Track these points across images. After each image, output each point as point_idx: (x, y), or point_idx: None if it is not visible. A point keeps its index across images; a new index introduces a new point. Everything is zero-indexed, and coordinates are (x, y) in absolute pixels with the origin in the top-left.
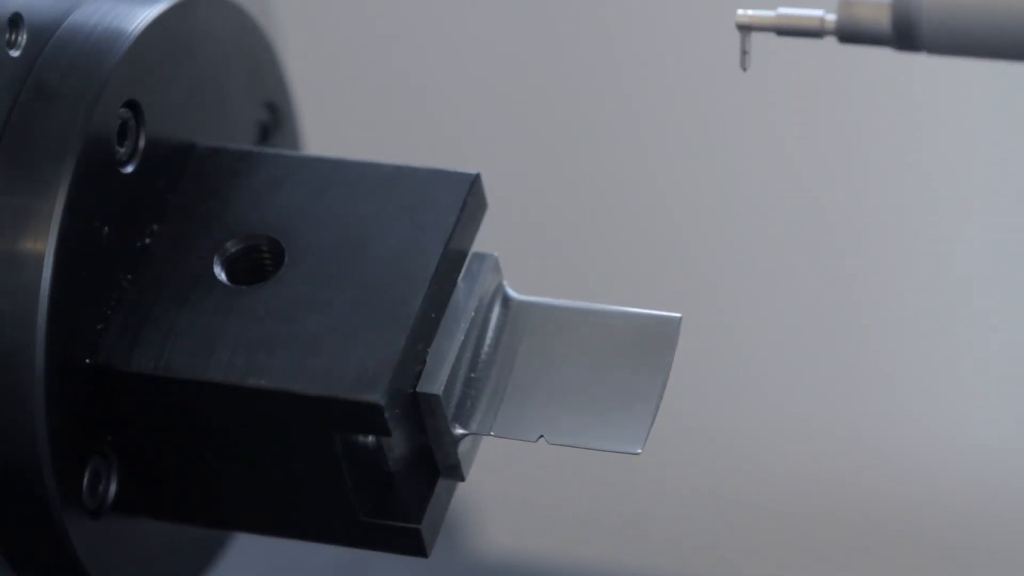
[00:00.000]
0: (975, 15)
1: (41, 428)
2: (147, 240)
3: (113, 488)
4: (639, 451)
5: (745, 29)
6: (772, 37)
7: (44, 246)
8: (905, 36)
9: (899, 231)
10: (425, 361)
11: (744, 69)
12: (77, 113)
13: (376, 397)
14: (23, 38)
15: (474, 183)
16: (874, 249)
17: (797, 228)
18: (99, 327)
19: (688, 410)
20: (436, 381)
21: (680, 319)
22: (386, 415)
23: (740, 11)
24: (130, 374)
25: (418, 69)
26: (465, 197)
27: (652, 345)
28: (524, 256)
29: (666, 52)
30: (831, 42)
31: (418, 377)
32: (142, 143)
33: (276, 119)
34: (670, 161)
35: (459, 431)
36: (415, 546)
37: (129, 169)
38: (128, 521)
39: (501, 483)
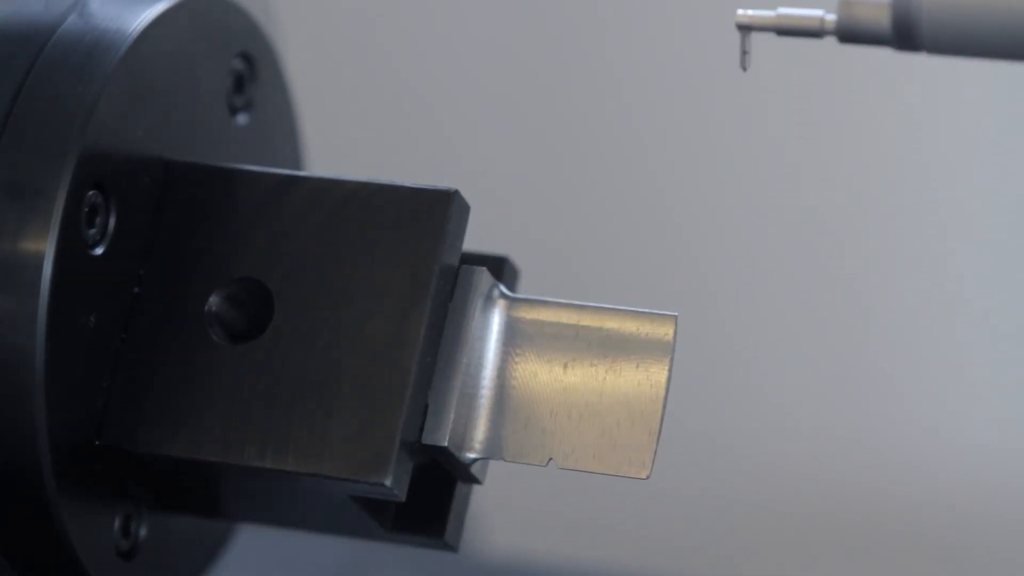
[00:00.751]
0: (975, 15)
1: (41, 428)
2: (136, 289)
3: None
4: (645, 476)
5: (745, 29)
6: (772, 37)
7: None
8: (905, 36)
9: (899, 231)
10: (427, 405)
11: (744, 69)
12: (46, 210)
13: (383, 479)
14: None
15: (453, 201)
16: (874, 249)
17: (797, 228)
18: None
19: (688, 410)
20: (441, 430)
21: (676, 317)
22: (395, 490)
23: (740, 11)
24: (138, 453)
25: (419, 68)
26: (446, 219)
27: (650, 346)
28: (524, 256)
29: (666, 52)
30: (831, 42)
31: (422, 426)
32: (112, 223)
33: (252, 69)
34: (670, 161)
35: (469, 457)
36: (442, 547)
37: (104, 247)
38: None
39: (501, 483)
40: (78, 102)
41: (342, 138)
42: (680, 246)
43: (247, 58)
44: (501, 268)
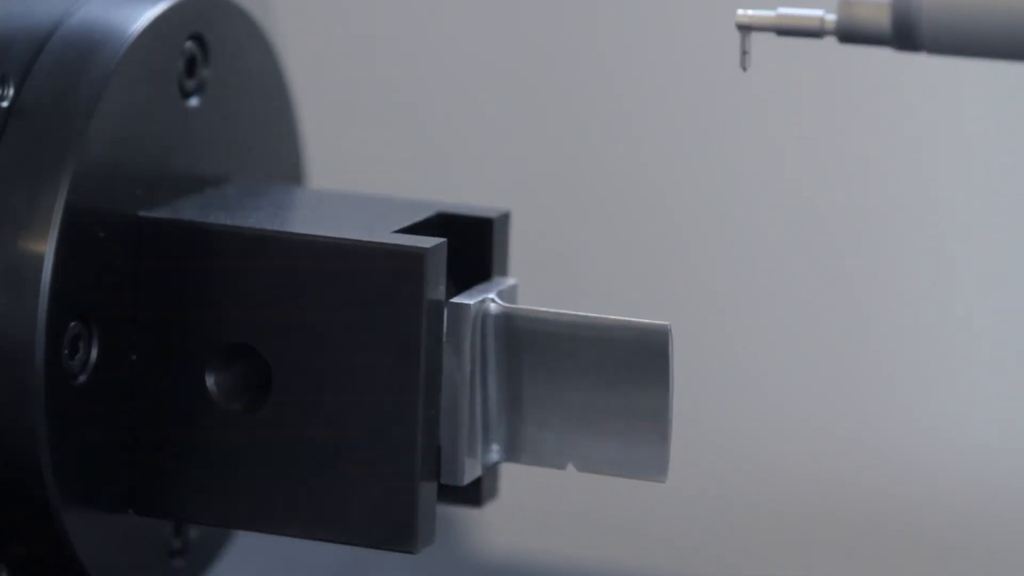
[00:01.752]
0: (975, 15)
1: (41, 428)
2: (133, 357)
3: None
4: (664, 480)
5: (745, 29)
6: (772, 37)
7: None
8: (905, 36)
9: (899, 231)
10: (439, 448)
11: (744, 69)
12: (47, 210)
13: (412, 548)
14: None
15: (427, 260)
16: (874, 249)
17: (796, 228)
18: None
19: (688, 411)
20: (458, 472)
21: (668, 328)
22: (423, 548)
23: (740, 11)
24: (159, 513)
25: (419, 68)
26: (422, 280)
27: (648, 357)
28: (523, 257)
29: (666, 52)
30: (831, 42)
31: (438, 466)
32: (92, 339)
33: (204, 52)
34: (670, 161)
35: (492, 460)
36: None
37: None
38: (128, 519)
39: (501, 483)
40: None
41: (343, 139)
42: (680, 246)
43: (199, 40)
44: (490, 230)
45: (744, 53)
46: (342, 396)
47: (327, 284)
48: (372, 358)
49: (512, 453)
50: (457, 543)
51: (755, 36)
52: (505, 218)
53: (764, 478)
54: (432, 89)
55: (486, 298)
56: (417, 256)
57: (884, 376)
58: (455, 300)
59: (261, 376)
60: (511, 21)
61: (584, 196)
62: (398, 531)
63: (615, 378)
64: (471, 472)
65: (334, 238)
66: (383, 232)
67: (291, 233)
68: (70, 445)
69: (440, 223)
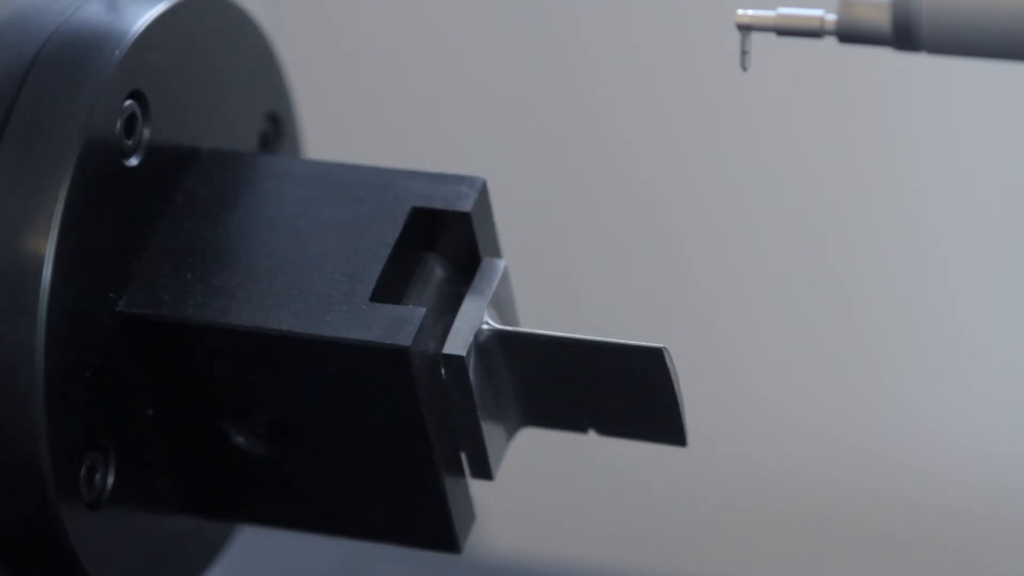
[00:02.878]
0: (975, 15)
1: (41, 428)
2: (150, 411)
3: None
4: (685, 445)
5: (745, 29)
6: (772, 37)
7: (44, 247)
8: (905, 36)
9: (899, 230)
10: (461, 456)
11: (744, 69)
12: (81, 105)
13: (455, 551)
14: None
15: (410, 359)
16: (874, 249)
17: (797, 228)
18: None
19: (688, 411)
20: (488, 470)
21: (662, 350)
22: (462, 549)
23: (740, 11)
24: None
25: (419, 69)
26: (410, 378)
27: (650, 378)
28: (524, 256)
29: (666, 52)
30: (831, 42)
31: (462, 468)
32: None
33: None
34: (669, 162)
35: (511, 433)
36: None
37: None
38: (127, 518)
39: (501, 483)
40: (79, 100)
41: (343, 139)
42: (680, 245)
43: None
44: (468, 223)
45: (744, 53)
46: (356, 453)
47: (320, 372)
48: (378, 426)
49: (533, 421)
50: None
51: (755, 36)
52: (482, 196)
53: (765, 479)
54: (436, 89)
55: (478, 329)
56: (400, 352)
57: (884, 376)
58: (448, 352)
59: (278, 427)
60: (511, 21)
61: (583, 196)
62: (441, 541)
63: (621, 393)
64: (498, 464)
65: (319, 337)
66: (363, 292)
67: (273, 330)
68: (70, 444)
69: (420, 217)
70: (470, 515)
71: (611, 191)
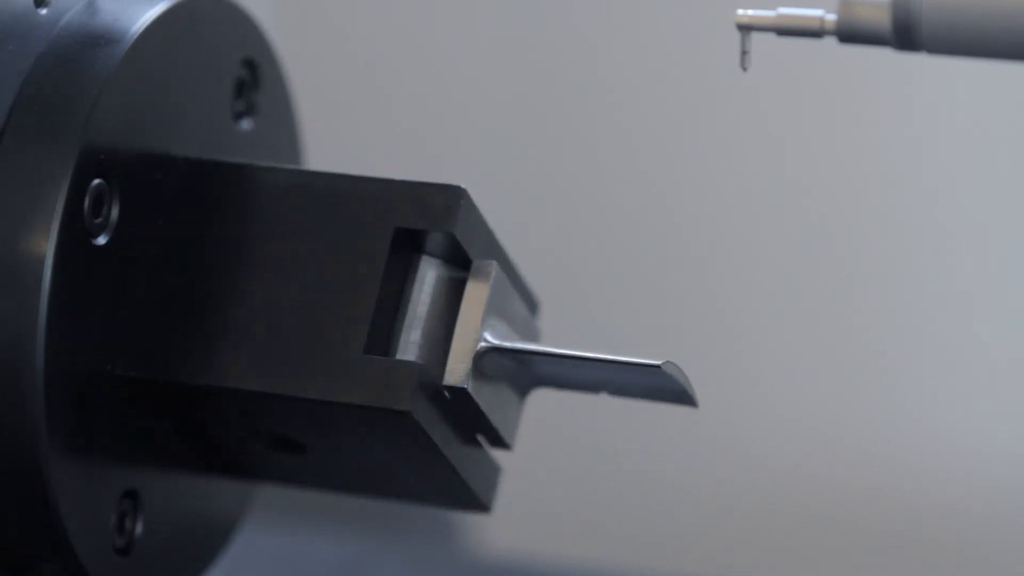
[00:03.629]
0: (975, 15)
1: (41, 426)
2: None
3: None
4: (697, 406)
5: (745, 29)
6: (772, 37)
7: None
8: (905, 36)
9: (899, 230)
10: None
11: (744, 69)
12: (48, 207)
13: (484, 511)
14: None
15: (416, 412)
16: (874, 249)
17: (797, 228)
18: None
19: (689, 410)
20: (507, 443)
21: (660, 367)
22: (491, 509)
23: (740, 11)
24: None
25: (420, 69)
26: (417, 429)
27: (665, 392)
28: (525, 256)
29: (666, 52)
30: (831, 42)
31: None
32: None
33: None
34: (669, 162)
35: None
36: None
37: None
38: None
39: (501, 483)
40: (81, 97)
41: (343, 139)
42: (680, 246)
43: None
44: (453, 240)
45: (744, 53)
46: (369, 452)
47: (320, 418)
48: (386, 440)
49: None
50: (457, 543)
51: (755, 36)
52: (466, 206)
53: (764, 478)
54: (434, 88)
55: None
56: (400, 413)
57: (885, 376)
58: (449, 383)
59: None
60: (511, 21)
61: (582, 196)
62: (469, 505)
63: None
64: (514, 434)
65: (315, 399)
66: (356, 342)
67: (266, 392)
68: (70, 443)
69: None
70: (494, 473)
71: (611, 191)
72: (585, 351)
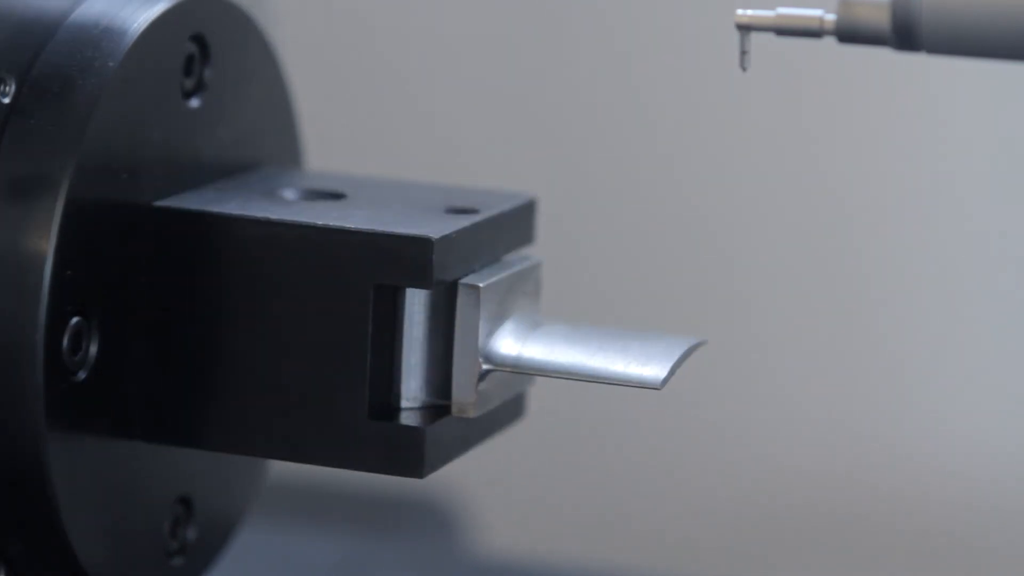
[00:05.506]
0: (975, 15)
1: (41, 426)
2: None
3: None
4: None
5: (745, 29)
6: (772, 37)
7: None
8: (905, 36)
9: (899, 230)
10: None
11: (744, 69)
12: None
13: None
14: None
15: (425, 463)
16: (875, 248)
17: (798, 228)
18: None
19: (690, 409)
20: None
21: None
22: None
23: (740, 11)
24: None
25: (419, 68)
26: (419, 453)
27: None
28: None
29: (665, 52)
30: (831, 42)
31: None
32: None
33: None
34: (668, 162)
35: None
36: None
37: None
38: (128, 519)
39: (501, 483)
40: (81, 97)
41: (342, 139)
42: (680, 246)
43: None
44: (429, 257)
45: (743, 53)
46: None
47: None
48: None
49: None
50: (457, 543)
51: (755, 36)
52: (440, 252)
53: (768, 478)
54: (433, 88)
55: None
56: (416, 473)
57: (888, 375)
58: (455, 415)
59: None
60: (511, 20)
61: (582, 197)
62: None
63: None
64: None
65: (331, 458)
66: (359, 409)
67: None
68: (70, 443)
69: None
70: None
71: (608, 193)
72: (585, 343)
